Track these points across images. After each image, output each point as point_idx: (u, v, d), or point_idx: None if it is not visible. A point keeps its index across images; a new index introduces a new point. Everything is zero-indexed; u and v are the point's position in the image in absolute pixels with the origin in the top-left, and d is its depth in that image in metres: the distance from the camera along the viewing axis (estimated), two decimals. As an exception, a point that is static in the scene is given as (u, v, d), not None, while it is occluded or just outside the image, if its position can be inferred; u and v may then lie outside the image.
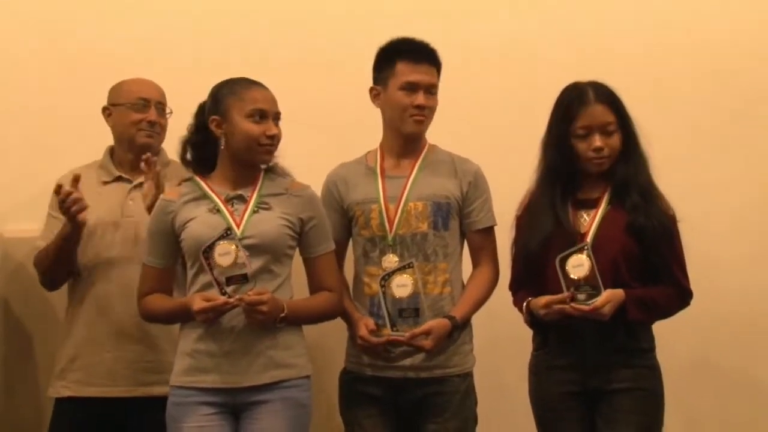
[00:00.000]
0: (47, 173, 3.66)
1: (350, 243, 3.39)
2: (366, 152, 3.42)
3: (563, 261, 3.02)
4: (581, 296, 3.00)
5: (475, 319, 3.33)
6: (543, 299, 3.07)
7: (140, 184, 3.44)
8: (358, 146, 3.44)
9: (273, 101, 3.10)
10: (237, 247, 2.94)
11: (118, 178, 3.52)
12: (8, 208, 3.90)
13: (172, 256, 3.12)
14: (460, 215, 3.33)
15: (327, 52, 4.02)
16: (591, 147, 3.10)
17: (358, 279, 3.33)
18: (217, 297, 2.94)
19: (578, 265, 3.00)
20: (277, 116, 3.10)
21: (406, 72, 3.28)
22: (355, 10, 4.07)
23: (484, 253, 3.35)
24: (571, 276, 3.01)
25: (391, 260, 3.25)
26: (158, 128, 3.50)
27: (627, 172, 3.12)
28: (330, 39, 4.03)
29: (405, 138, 3.34)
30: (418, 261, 3.23)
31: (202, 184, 3.11)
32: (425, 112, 3.28)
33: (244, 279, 2.94)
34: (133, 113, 3.49)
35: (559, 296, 3.02)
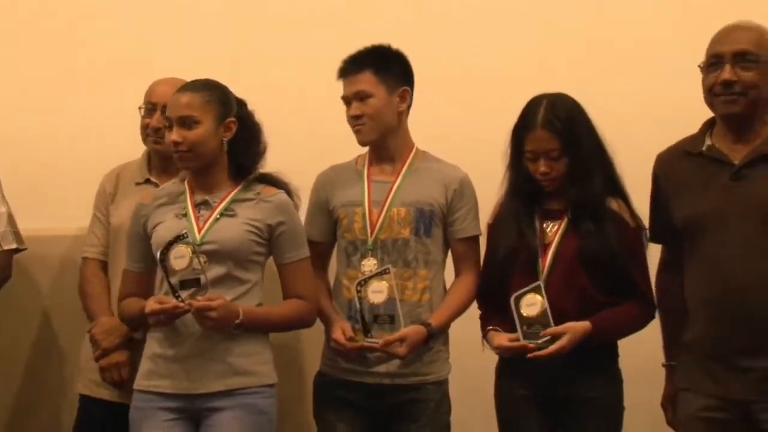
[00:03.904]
0: (75, 170, 3.81)
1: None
2: (357, 156, 3.41)
3: (518, 299, 3.05)
4: (535, 330, 3.03)
5: (452, 324, 3.29)
6: (495, 341, 3.11)
7: (156, 189, 3.39)
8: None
9: None
10: (193, 251, 2.94)
11: (147, 181, 3.52)
12: (34, 206, 3.86)
13: (150, 259, 3.09)
14: (445, 223, 3.29)
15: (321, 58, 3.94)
16: (537, 171, 3.10)
17: (338, 281, 3.32)
18: (170, 300, 2.93)
19: (531, 304, 3.04)
20: None
21: (343, 89, 3.32)
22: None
23: (467, 263, 3.31)
24: (524, 314, 3.04)
25: (369, 264, 3.23)
26: (164, 133, 3.42)
27: (575, 195, 3.11)
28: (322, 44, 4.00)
29: (367, 146, 3.35)
30: (398, 267, 3.21)
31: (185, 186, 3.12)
32: (362, 120, 3.26)
33: (197, 284, 2.93)
34: (143, 118, 3.50)
35: (512, 344, 3.05)
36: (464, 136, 3.83)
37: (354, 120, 3.27)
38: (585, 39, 3.98)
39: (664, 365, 3.18)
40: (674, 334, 3.12)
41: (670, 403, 3.14)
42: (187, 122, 3.02)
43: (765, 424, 2.88)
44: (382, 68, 3.28)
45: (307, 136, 3.91)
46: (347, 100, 3.29)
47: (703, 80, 2.98)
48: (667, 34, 3.92)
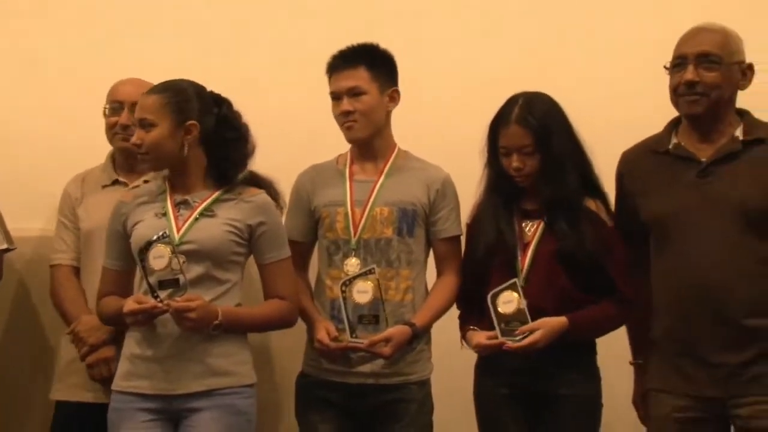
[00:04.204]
0: (53, 172, 3.73)
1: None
2: (338, 155, 3.41)
3: (495, 297, 3.05)
4: (512, 327, 3.04)
5: (434, 324, 3.29)
6: (474, 340, 3.11)
7: (136, 188, 3.39)
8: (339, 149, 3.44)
9: None
10: (172, 251, 2.93)
11: (115, 182, 3.51)
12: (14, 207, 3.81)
13: (129, 258, 3.09)
14: (427, 223, 3.29)
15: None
16: (510, 166, 3.11)
17: (321, 281, 3.31)
18: (148, 300, 2.93)
19: (508, 302, 3.05)
20: None
21: (330, 84, 3.29)
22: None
23: (449, 262, 3.30)
24: (501, 312, 3.04)
25: (353, 264, 3.23)
26: (133, 131, 3.37)
27: (549, 193, 3.11)
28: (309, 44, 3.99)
29: (353, 144, 3.33)
30: (381, 267, 3.20)
31: (165, 185, 3.12)
32: (353, 117, 3.24)
33: (176, 284, 2.92)
34: (109, 117, 3.50)
35: (490, 342, 3.06)
36: (446, 136, 3.82)
37: (344, 116, 3.25)
38: (578, 40, 3.98)
39: (631, 363, 3.21)
40: (640, 332, 3.14)
41: (641, 401, 3.16)
42: (144, 124, 3.04)
43: (739, 420, 2.90)
44: (374, 66, 3.27)
45: (305, 136, 3.88)
46: (337, 95, 3.27)
47: (670, 80, 3.00)
48: (667, 35, 3.89)
